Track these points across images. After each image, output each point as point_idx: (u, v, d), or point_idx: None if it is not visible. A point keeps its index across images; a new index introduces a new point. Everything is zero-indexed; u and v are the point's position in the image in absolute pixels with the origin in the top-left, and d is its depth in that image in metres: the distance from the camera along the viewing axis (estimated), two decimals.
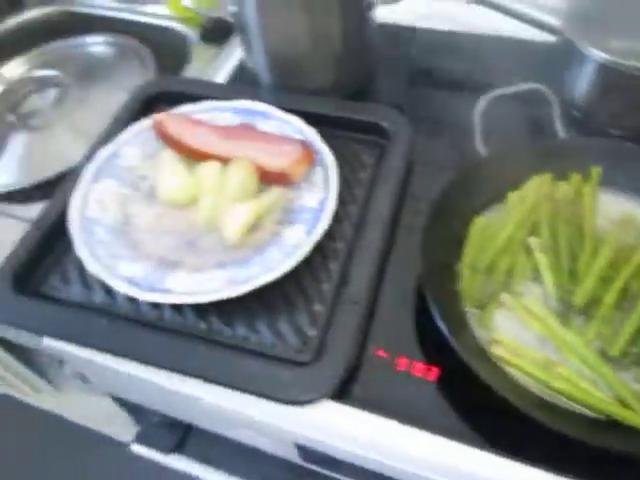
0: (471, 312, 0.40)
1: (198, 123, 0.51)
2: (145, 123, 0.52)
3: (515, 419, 0.33)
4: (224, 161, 0.48)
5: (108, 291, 0.43)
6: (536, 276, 0.41)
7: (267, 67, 0.56)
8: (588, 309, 0.39)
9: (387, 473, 0.39)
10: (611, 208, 0.45)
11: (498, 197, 0.45)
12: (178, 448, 0.49)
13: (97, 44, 0.70)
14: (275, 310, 0.41)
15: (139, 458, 0.53)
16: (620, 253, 0.41)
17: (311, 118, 0.51)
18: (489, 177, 0.45)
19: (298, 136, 0.49)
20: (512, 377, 0.37)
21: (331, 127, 0.52)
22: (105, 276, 0.41)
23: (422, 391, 0.38)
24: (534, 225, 0.43)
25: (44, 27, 0.74)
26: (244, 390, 0.37)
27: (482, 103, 0.47)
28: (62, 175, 0.54)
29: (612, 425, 0.34)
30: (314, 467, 0.46)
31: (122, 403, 0.51)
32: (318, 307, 0.41)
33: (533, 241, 0.42)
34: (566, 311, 0.39)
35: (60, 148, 0.63)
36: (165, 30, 0.70)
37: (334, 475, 0.47)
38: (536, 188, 0.44)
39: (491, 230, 0.43)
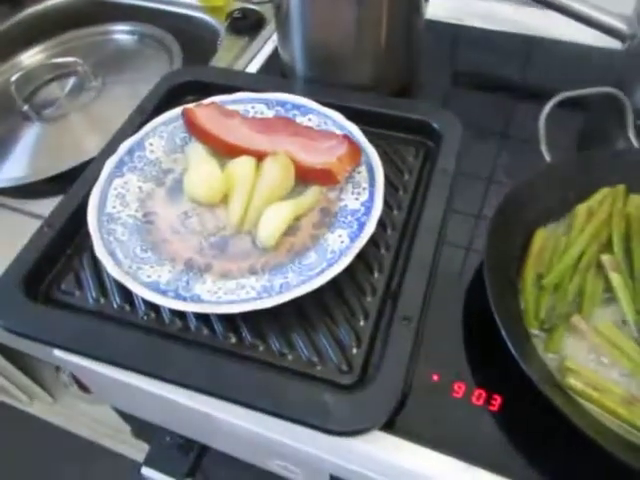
0: (535, 334, 0.36)
1: (231, 114, 0.47)
2: (173, 113, 0.48)
3: (587, 458, 0.29)
4: (259, 156, 0.44)
5: (127, 297, 0.38)
6: (608, 297, 0.37)
7: (305, 58, 0.52)
8: None
9: None
10: None
11: (563, 209, 0.41)
12: (192, 473, 0.44)
13: (122, 32, 0.67)
14: (313, 324, 0.37)
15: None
16: None
17: (351, 114, 0.47)
18: (554, 186, 0.41)
19: (339, 132, 0.45)
20: (590, 412, 0.32)
21: (373, 125, 0.48)
22: (125, 280, 0.37)
23: (482, 422, 0.33)
24: (606, 242, 0.39)
25: (68, 14, 0.71)
26: (280, 416, 0.33)
27: (548, 107, 0.42)
28: (76, 169, 0.50)
29: None
30: None
31: (132, 420, 0.46)
32: (362, 322, 0.37)
33: (606, 259, 0.37)
34: None
35: (75, 141, 0.59)
36: (193, 20, 0.67)
37: None
38: (607, 200, 0.40)
39: (556, 244, 0.39)
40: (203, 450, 0.46)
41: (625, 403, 0.32)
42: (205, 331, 0.37)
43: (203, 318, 0.37)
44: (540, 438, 0.32)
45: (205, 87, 0.52)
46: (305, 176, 0.43)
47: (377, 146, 0.45)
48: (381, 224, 0.41)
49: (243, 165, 0.43)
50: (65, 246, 0.42)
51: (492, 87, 0.54)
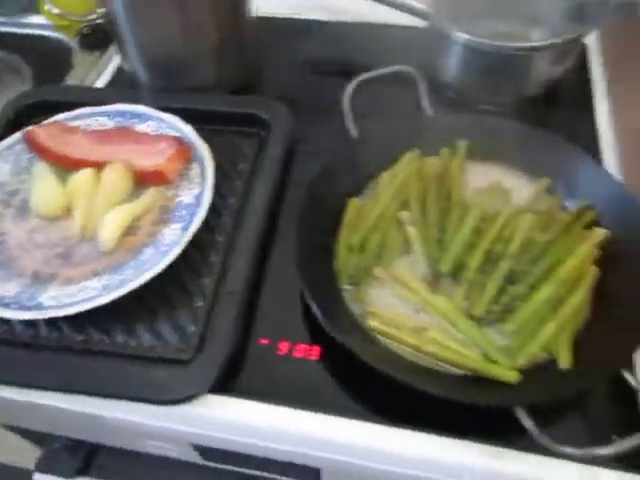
0: (347, 289, 0.41)
1: (71, 130, 0.49)
2: (16, 136, 0.50)
3: (391, 386, 0.34)
4: (100, 167, 0.47)
5: None
6: (408, 249, 0.43)
7: (144, 68, 0.55)
8: (456, 274, 0.41)
9: (282, 458, 0.39)
10: (480, 178, 0.47)
11: (373, 178, 0.47)
12: (83, 470, 0.47)
13: None
14: (155, 312, 0.41)
15: None
16: (486, 220, 0.43)
17: (192, 115, 0.51)
18: (362, 159, 0.46)
19: (175, 134, 0.49)
20: (387, 347, 0.38)
21: (212, 122, 0.52)
22: None
23: (305, 372, 0.38)
24: (405, 201, 0.44)
25: None
26: (122, 397, 0.37)
27: (350, 87, 0.48)
28: None
29: (478, 381, 0.36)
30: (218, 465, 0.46)
31: (12, 429, 0.49)
32: (199, 303, 0.41)
33: (404, 215, 0.43)
34: (436, 278, 0.41)
35: None
36: (45, 40, 0.68)
37: (248, 471, 0.47)
38: (406, 165, 0.46)
39: (365, 210, 0.44)
40: (92, 447, 0.49)
41: (416, 333, 0.38)
42: (55, 335, 0.40)
43: (52, 323, 0.40)
44: (354, 376, 0.38)
45: (54, 106, 0.54)
46: (142, 179, 0.46)
47: (216, 142, 0.50)
48: (216, 212, 0.46)
49: (83, 177, 0.46)
50: None
51: (325, 72, 0.59)
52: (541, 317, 0.38)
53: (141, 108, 0.51)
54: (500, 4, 0.56)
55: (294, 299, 0.42)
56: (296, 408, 0.37)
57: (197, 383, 0.36)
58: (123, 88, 0.58)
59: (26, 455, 0.51)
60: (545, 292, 0.38)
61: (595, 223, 0.42)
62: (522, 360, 0.36)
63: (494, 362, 0.36)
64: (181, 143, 0.46)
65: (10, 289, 0.41)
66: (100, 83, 0.60)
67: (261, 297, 0.43)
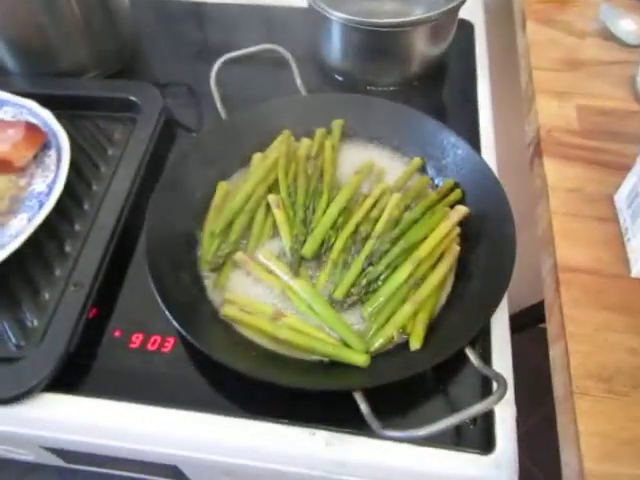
0: (209, 276, 0.39)
1: None
2: None
3: (243, 377, 0.32)
4: None
5: None
6: (277, 233, 0.41)
7: (11, 54, 0.51)
8: (321, 257, 0.39)
9: (135, 457, 0.37)
10: (355, 158, 0.46)
11: (245, 161, 0.45)
12: None
13: None
14: None
15: None
16: (357, 201, 0.42)
17: (60, 101, 0.48)
18: (232, 141, 0.44)
19: (34, 120, 0.45)
20: (242, 335, 0.36)
21: (83, 108, 0.49)
22: None
23: (158, 365, 0.36)
24: (275, 183, 0.43)
25: None
26: None
27: (216, 66, 0.46)
28: None
29: (331, 366, 0.35)
30: (83, 468, 0.43)
31: None
32: (46, 296, 0.38)
33: (271, 198, 0.42)
34: (300, 262, 0.39)
35: None
36: None
37: (118, 472, 0.44)
38: (277, 147, 0.44)
39: (233, 194, 0.42)
40: None
41: (272, 320, 0.36)
42: None
43: None
44: (207, 366, 0.36)
45: None
46: None
47: (85, 128, 0.47)
48: (78, 201, 0.43)
49: None
50: None
51: (202, 55, 0.56)
52: (401, 298, 0.37)
53: None
54: None
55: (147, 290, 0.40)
56: (143, 404, 0.35)
57: (28, 381, 0.33)
58: None
59: None
60: (403, 272, 0.37)
61: (462, 202, 0.42)
62: (379, 343, 0.35)
63: (348, 347, 0.35)
64: (31, 129, 0.43)
65: None
66: None
67: (122, 289, 0.40)
